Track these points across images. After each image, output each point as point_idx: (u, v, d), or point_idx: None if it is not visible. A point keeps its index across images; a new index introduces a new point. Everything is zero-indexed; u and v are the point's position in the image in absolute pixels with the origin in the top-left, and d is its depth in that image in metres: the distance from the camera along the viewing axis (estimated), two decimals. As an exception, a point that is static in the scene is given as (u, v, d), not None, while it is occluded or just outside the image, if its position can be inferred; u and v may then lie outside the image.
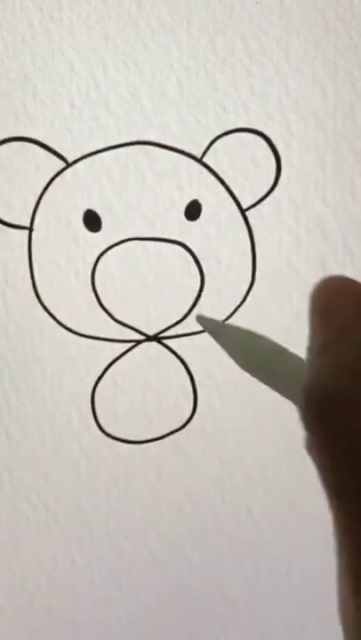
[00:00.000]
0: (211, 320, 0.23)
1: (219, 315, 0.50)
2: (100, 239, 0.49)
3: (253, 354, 0.21)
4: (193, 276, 0.50)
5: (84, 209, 0.49)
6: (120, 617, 0.52)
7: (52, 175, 0.49)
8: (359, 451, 0.17)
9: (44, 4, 0.48)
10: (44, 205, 0.49)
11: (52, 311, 0.49)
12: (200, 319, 0.23)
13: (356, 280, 0.20)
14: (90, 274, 0.49)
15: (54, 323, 0.49)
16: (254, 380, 0.51)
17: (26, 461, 0.50)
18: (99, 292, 0.49)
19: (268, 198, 0.50)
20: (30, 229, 0.49)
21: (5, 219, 0.49)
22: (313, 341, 0.19)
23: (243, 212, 0.50)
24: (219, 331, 0.23)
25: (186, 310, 0.50)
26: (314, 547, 0.52)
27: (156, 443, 0.51)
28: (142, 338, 0.50)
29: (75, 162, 0.49)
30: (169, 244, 0.49)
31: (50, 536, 0.51)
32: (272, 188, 0.50)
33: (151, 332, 0.50)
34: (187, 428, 0.51)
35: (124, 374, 0.50)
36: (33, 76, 0.48)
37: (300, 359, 0.21)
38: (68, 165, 0.49)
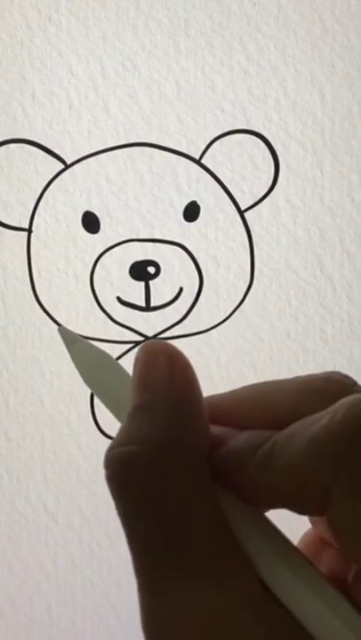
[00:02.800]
0: (71, 333, 0.25)
1: (218, 315, 0.50)
2: (99, 241, 0.49)
3: (99, 375, 0.24)
4: (192, 277, 0.50)
5: (83, 210, 0.49)
6: (119, 617, 0.52)
7: (50, 177, 0.49)
8: (142, 509, 0.20)
9: (42, 5, 0.48)
10: (43, 207, 0.49)
11: (50, 312, 0.49)
12: (61, 330, 0.25)
13: (174, 348, 0.22)
14: (89, 275, 0.49)
15: (53, 324, 0.50)
16: (254, 381, 0.51)
17: (25, 462, 0.51)
18: (97, 294, 0.49)
19: (266, 199, 0.50)
20: (29, 231, 0.49)
21: (4, 220, 0.49)
22: (132, 399, 0.22)
23: (241, 212, 0.50)
24: (76, 344, 0.24)
25: (185, 311, 0.50)
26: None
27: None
28: (141, 339, 0.50)
29: (73, 163, 0.49)
30: (168, 245, 0.49)
31: (49, 536, 0.51)
32: (270, 189, 0.50)
33: (150, 333, 0.50)
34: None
35: (123, 375, 0.50)
36: (31, 77, 0.48)
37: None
38: (67, 167, 0.49)
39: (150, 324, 0.50)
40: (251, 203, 0.50)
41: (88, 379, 0.23)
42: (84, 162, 0.49)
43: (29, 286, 0.49)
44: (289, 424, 0.20)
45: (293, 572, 0.20)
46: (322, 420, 0.19)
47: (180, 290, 0.50)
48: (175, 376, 0.21)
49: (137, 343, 0.50)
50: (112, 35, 0.48)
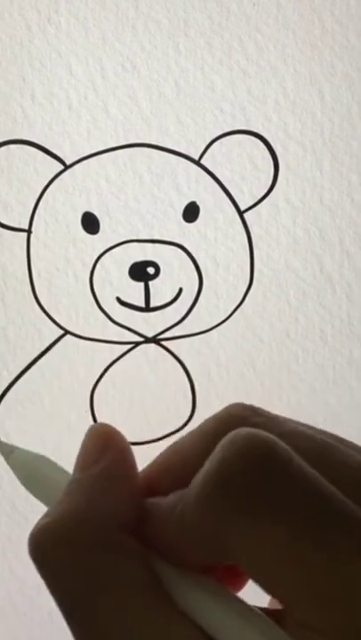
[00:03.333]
0: (6, 445, 0.26)
1: (218, 315, 0.50)
2: (99, 241, 0.49)
3: (39, 476, 0.25)
4: (191, 278, 0.50)
5: (83, 211, 0.49)
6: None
7: (50, 177, 0.49)
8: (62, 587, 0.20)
9: (41, 6, 0.48)
10: (43, 208, 0.49)
11: (50, 313, 0.50)
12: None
13: (109, 427, 0.23)
14: (88, 276, 0.49)
15: (53, 325, 0.50)
16: (253, 381, 0.51)
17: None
18: (97, 294, 0.49)
19: (265, 200, 0.50)
20: (29, 232, 0.49)
21: (4, 221, 0.49)
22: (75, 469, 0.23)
23: (241, 213, 0.50)
24: (7, 452, 0.25)
25: (184, 312, 0.50)
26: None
27: (154, 444, 0.51)
28: (141, 339, 0.50)
29: (73, 164, 0.49)
30: (167, 246, 0.49)
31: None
32: (270, 190, 0.50)
33: (150, 334, 0.50)
34: (185, 429, 0.51)
35: (123, 376, 0.50)
36: (31, 78, 0.48)
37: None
38: (67, 168, 0.49)
39: (150, 324, 0.50)
40: (250, 203, 0.50)
41: (28, 484, 0.25)
42: (84, 162, 0.49)
43: (29, 287, 0.49)
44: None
45: (236, 615, 0.20)
46: (201, 471, 0.20)
47: (180, 290, 0.50)
48: (104, 455, 0.22)
49: (137, 344, 0.50)
50: (111, 35, 0.48)
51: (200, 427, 0.23)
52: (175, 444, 0.23)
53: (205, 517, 0.19)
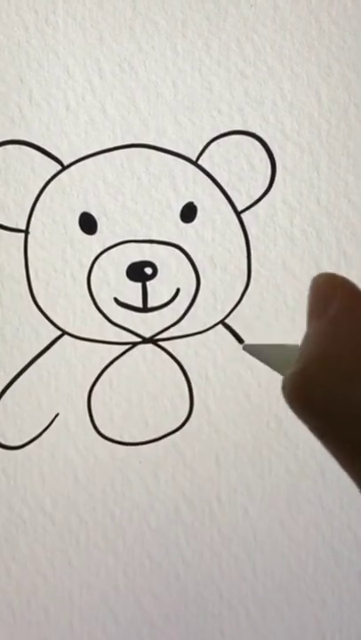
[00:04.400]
0: (256, 345, 0.27)
1: (215, 316, 0.50)
2: (96, 242, 0.49)
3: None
4: (189, 278, 0.50)
5: (80, 212, 0.49)
6: (117, 619, 0.52)
7: (47, 178, 0.49)
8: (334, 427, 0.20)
9: (39, 6, 0.48)
10: (40, 208, 0.49)
11: (47, 313, 0.49)
12: (246, 347, 0.27)
13: (339, 276, 0.24)
14: (86, 276, 0.49)
15: (50, 325, 0.50)
16: (251, 381, 0.51)
17: (22, 464, 0.50)
18: (95, 295, 0.49)
19: (263, 200, 0.50)
20: (26, 232, 0.49)
21: (1, 221, 0.49)
22: (308, 323, 0.23)
23: (238, 213, 0.50)
24: (263, 352, 0.26)
25: (182, 312, 0.50)
26: (311, 547, 0.53)
27: (152, 444, 0.51)
28: (138, 340, 0.50)
29: (70, 165, 0.49)
30: (165, 246, 0.49)
31: (46, 538, 0.51)
32: (267, 190, 0.50)
33: (147, 334, 0.50)
34: (183, 429, 0.51)
35: (121, 376, 0.50)
36: (28, 79, 0.48)
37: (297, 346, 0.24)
38: (64, 168, 0.49)
39: (147, 324, 0.50)
40: (248, 204, 0.50)
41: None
42: (81, 163, 0.49)
43: (26, 287, 0.49)
44: None
45: None
46: None
47: (178, 291, 0.50)
48: (333, 301, 0.23)
49: (134, 344, 0.50)
50: (109, 36, 0.48)
51: None
52: None
53: None
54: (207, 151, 0.49)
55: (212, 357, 0.50)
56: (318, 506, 0.52)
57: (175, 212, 0.49)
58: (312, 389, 0.21)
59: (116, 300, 0.49)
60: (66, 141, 0.48)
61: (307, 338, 0.22)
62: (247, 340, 0.50)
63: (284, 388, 0.21)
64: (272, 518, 0.52)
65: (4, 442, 0.50)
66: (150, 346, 0.50)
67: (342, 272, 0.51)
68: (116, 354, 0.50)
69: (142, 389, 0.50)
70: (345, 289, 0.23)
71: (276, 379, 0.52)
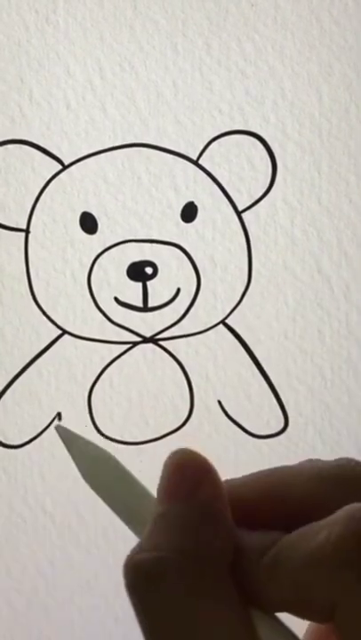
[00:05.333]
0: (68, 431, 0.24)
1: (215, 315, 0.50)
2: (97, 241, 0.49)
3: (100, 474, 0.23)
4: (189, 278, 0.50)
5: (81, 211, 0.49)
6: (117, 618, 0.52)
7: (48, 177, 0.49)
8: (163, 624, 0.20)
9: (39, 6, 0.48)
10: (41, 208, 0.49)
11: (48, 313, 0.49)
12: (58, 428, 0.24)
13: (202, 457, 0.22)
14: (86, 276, 0.49)
15: (51, 324, 0.50)
16: (251, 381, 0.51)
17: (23, 463, 0.50)
18: (95, 294, 0.49)
19: (263, 200, 0.50)
20: (27, 231, 0.49)
21: (2, 221, 0.49)
22: (155, 505, 0.22)
23: (238, 213, 0.50)
24: (73, 442, 0.24)
25: (182, 312, 0.50)
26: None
27: (153, 444, 0.51)
28: (139, 339, 0.50)
29: (71, 164, 0.49)
30: (165, 246, 0.49)
31: (47, 538, 0.51)
32: (268, 190, 0.50)
33: (148, 334, 0.50)
34: (183, 429, 0.51)
35: (121, 376, 0.50)
36: (29, 78, 0.48)
37: (145, 494, 0.23)
38: (65, 168, 0.49)
39: (148, 324, 0.50)
40: (248, 203, 0.50)
41: (92, 482, 0.23)
42: (82, 162, 0.49)
43: (27, 287, 0.49)
44: (301, 516, 0.20)
45: None
46: (321, 532, 0.19)
47: (178, 290, 0.50)
48: (201, 486, 0.21)
49: (135, 344, 0.50)
50: (109, 36, 0.48)
51: (310, 467, 0.22)
52: (278, 472, 0.23)
53: (316, 579, 0.19)
54: (208, 151, 0.49)
55: (213, 357, 0.50)
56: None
57: (176, 211, 0.49)
58: (156, 590, 0.20)
59: (116, 299, 0.49)
60: (66, 141, 0.48)
61: (163, 517, 0.21)
62: (248, 340, 0.50)
63: (133, 567, 0.20)
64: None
65: (4, 441, 0.50)
66: (151, 345, 0.50)
67: (343, 272, 0.51)
68: (117, 353, 0.50)
69: (143, 389, 0.50)
70: (210, 480, 0.22)
71: (275, 378, 0.52)
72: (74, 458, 0.24)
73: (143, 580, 0.20)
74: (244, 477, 0.23)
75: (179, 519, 0.21)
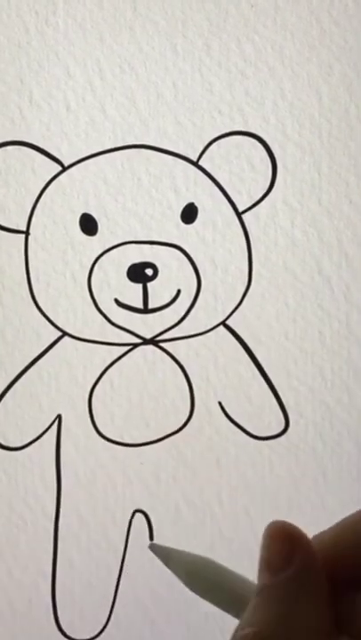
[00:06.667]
0: (162, 547, 0.25)
1: (216, 317, 0.50)
2: (97, 243, 0.49)
3: (202, 581, 0.24)
4: (189, 279, 0.50)
5: (81, 212, 0.49)
6: (118, 620, 0.52)
7: (48, 179, 0.49)
8: None
9: (39, 7, 0.48)
10: (41, 209, 0.49)
11: (48, 315, 0.49)
12: (153, 547, 0.25)
13: (298, 531, 0.23)
14: (86, 277, 0.49)
15: (51, 326, 0.50)
16: (252, 382, 0.51)
17: (23, 464, 0.51)
18: (95, 296, 0.49)
19: (263, 201, 0.50)
20: (27, 233, 0.49)
21: (2, 223, 0.49)
22: (261, 575, 0.23)
23: (239, 214, 0.50)
24: (169, 556, 0.25)
25: (182, 313, 0.50)
26: (311, 548, 0.53)
27: (153, 445, 0.51)
28: (139, 341, 0.50)
29: (71, 165, 0.49)
30: (165, 247, 0.49)
31: (47, 539, 0.51)
32: (268, 191, 0.50)
33: (148, 335, 0.50)
34: (184, 430, 0.51)
35: (122, 377, 0.50)
36: (29, 80, 0.48)
37: (247, 584, 0.24)
38: (64, 169, 0.49)
39: (148, 326, 0.50)
40: (248, 204, 0.50)
41: (193, 587, 0.24)
42: (82, 164, 0.49)
43: (27, 288, 0.49)
44: None
45: None
46: None
47: (178, 292, 0.50)
48: (294, 558, 0.22)
49: (135, 345, 0.50)
50: (109, 37, 0.48)
51: None
52: (356, 520, 0.23)
53: None
54: (208, 152, 0.49)
55: (213, 358, 0.50)
56: (319, 506, 0.52)
57: (176, 212, 0.49)
58: None
59: (116, 301, 0.49)
60: (66, 142, 0.48)
61: (264, 593, 0.22)
62: (248, 342, 0.50)
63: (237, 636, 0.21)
64: (273, 519, 0.52)
65: (4, 443, 0.50)
66: (151, 347, 0.50)
67: (344, 273, 0.51)
68: (117, 355, 0.50)
69: (143, 390, 0.50)
70: (304, 549, 0.22)
71: (276, 379, 0.51)
72: (173, 570, 0.25)
73: None
74: (333, 533, 0.23)
75: (276, 591, 0.21)
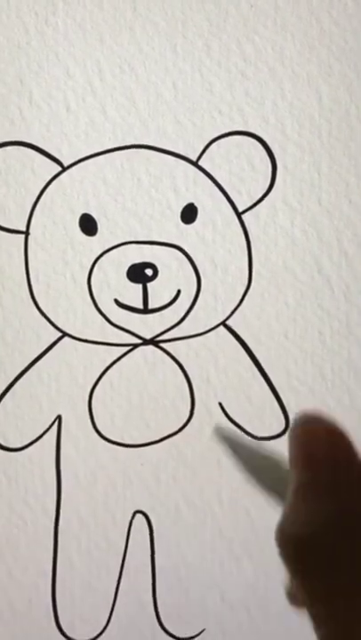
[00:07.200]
0: (229, 431, 0.26)
1: (216, 317, 0.50)
2: (97, 243, 0.49)
3: (260, 469, 0.25)
4: (189, 279, 0.50)
5: (80, 213, 0.49)
6: (119, 620, 0.52)
7: (48, 179, 0.49)
8: (336, 586, 0.20)
9: (39, 8, 0.48)
10: (41, 209, 0.49)
11: (48, 315, 0.49)
12: (218, 430, 0.26)
13: (331, 422, 0.22)
14: (86, 277, 0.49)
15: (51, 326, 0.50)
16: (252, 383, 0.51)
17: (23, 465, 0.51)
18: (95, 296, 0.49)
19: (263, 201, 0.50)
20: (26, 233, 0.49)
21: (1, 223, 0.49)
22: (293, 474, 0.22)
23: (239, 214, 0.50)
24: (237, 444, 0.25)
25: (182, 313, 0.50)
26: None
27: (153, 446, 0.51)
28: (139, 341, 0.50)
29: (71, 166, 0.49)
30: (165, 248, 0.49)
31: (47, 539, 0.51)
32: (268, 191, 0.50)
33: (148, 336, 0.50)
34: (184, 430, 0.51)
35: (122, 378, 0.50)
36: (29, 80, 0.48)
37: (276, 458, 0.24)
38: (64, 169, 0.49)
39: (148, 326, 0.50)
40: (248, 204, 0.50)
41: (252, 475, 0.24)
42: (82, 164, 0.49)
43: (27, 289, 0.49)
44: None
45: None
46: None
47: (178, 292, 0.50)
48: (337, 450, 0.22)
49: (135, 346, 0.50)
50: (109, 37, 0.48)
51: None
52: None
53: None
54: (208, 152, 0.49)
55: (213, 359, 0.50)
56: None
57: (176, 212, 0.49)
58: (314, 556, 0.20)
59: (116, 301, 0.49)
60: (66, 142, 0.48)
61: (295, 487, 0.21)
62: (248, 342, 0.50)
63: (287, 537, 0.21)
64: (273, 519, 0.52)
65: (4, 444, 0.50)
66: (151, 347, 0.50)
67: (343, 272, 0.51)
68: (117, 355, 0.50)
69: (143, 391, 0.50)
70: (346, 443, 0.22)
71: (276, 379, 0.51)
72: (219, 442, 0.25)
73: (295, 552, 0.21)
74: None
75: (322, 487, 0.21)
